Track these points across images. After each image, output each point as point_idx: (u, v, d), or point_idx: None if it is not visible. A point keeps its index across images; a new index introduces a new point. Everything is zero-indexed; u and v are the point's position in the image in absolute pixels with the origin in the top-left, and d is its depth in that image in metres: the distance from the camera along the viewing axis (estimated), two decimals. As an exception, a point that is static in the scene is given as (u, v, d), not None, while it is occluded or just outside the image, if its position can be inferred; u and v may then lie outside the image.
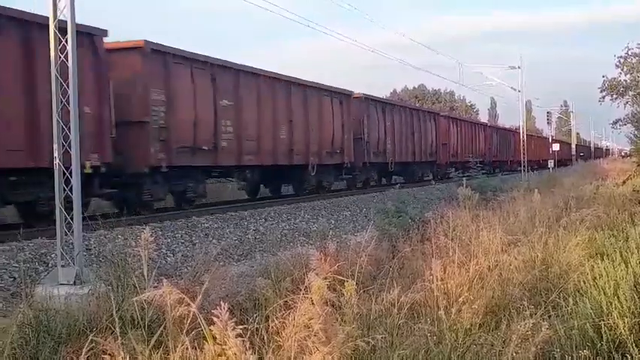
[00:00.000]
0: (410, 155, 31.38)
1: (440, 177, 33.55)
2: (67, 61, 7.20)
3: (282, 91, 20.41)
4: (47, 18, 7.78)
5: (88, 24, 12.68)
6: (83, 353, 3.72)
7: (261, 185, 22.52)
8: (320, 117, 22.61)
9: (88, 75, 12.72)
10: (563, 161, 61.60)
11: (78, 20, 7.42)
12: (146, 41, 14.96)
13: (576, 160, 68.45)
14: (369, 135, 26.80)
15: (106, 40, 13.79)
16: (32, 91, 11.90)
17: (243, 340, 3.37)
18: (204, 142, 16.46)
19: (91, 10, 20.54)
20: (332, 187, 25.41)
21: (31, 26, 11.79)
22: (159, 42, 15.48)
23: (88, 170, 12.73)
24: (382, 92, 77.51)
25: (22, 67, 11.99)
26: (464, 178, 17.22)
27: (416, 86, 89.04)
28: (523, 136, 38.60)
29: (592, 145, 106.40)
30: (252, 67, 19.19)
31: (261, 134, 19.05)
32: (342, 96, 24.79)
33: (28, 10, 11.96)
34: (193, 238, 13.03)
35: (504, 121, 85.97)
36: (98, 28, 13.43)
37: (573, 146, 73.59)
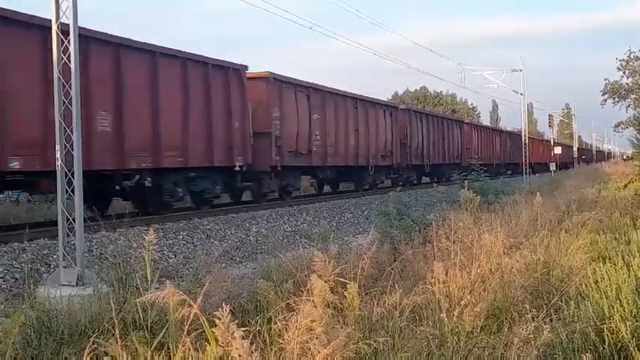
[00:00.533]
0: (440, 158, 35.14)
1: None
2: (70, 62, 7.17)
3: (351, 105, 24.89)
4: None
5: (238, 62, 17.69)
6: (85, 354, 3.71)
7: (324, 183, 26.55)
8: (377, 126, 27.04)
9: (237, 99, 17.34)
10: (565, 164, 61.60)
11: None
12: (270, 72, 19.48)
13: (578, 163, 68.38)
14: (411, 140, 30.88)
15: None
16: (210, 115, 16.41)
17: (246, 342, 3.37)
18: (302, 147, 21.04)
19: (91, 11, 20.70)
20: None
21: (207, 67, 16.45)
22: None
23: (237, 169, 17.22)
24: (384, 94, 77.68)
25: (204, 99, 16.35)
26: (465, 181, 17.18)
27: (418, 88, 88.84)
28: (525, 139, 38.80)
29: (594, 148, 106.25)
30: (332, 88, 23.66)
31: (338, 141, 23.52)
32: (392, 108, 29.79)
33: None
34: (195, 239, 13.02)
35: (506, 124, 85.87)
36: (243, 65, 17.98)
37: (575, 149, 73.53)
